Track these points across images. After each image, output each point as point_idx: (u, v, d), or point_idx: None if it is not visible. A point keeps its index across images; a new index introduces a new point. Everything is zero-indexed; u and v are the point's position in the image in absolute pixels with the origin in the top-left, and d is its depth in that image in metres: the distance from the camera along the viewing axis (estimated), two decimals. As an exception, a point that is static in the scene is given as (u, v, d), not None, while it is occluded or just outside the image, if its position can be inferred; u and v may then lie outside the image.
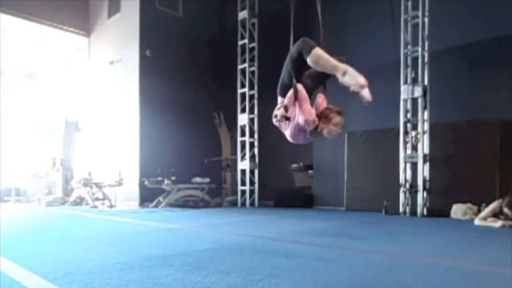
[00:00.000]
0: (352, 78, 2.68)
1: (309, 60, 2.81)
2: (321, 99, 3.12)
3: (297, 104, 2.90)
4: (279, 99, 3.09)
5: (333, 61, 2.77)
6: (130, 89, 8.43)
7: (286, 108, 2.92)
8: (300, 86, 2.92)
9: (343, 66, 2.73)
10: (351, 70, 2.70)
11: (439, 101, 5.87)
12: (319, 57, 2.79)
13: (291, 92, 2.93)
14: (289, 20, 3.16)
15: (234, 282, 1.89)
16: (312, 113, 2.91)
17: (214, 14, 9.88)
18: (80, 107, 10.17)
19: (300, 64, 2.89)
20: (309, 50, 2.80)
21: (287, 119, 2.93)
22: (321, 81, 3.06)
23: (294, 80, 2.90)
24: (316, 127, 2.94)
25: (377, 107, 7.02)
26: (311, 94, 3.03)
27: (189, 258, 2.51)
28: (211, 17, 9.79)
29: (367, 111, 7.04)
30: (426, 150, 5.78)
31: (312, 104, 2.99)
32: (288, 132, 3.02)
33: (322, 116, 2.97)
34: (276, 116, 2.93)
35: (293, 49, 2.94)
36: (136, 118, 8.23)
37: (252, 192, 8.22)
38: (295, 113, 2.92)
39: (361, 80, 2.64)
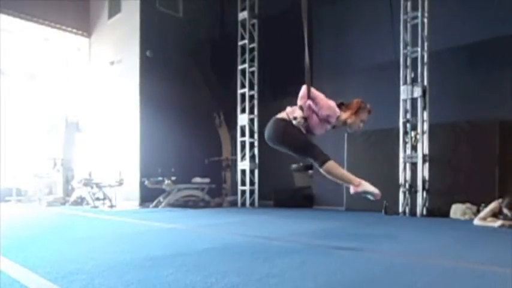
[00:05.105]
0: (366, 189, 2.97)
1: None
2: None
3: (310, 102, 3.00)
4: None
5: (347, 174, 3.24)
6: (131, 90, 8.44)
7: (302, 109, 3.03)
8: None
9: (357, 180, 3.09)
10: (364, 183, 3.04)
11: (439, 101, 5.88)
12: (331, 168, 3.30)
13: (302, 92, 3.02)
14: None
15: (234, 282, 1.90)
16: (331, 107, 3.06)
17: (215, 14, 9.90)
18: (80, 108, 10.18)
19: None
20: (322, 160, 3.20)
21: (305, 119, 3.05)
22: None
23: (307, 79, 2.98)
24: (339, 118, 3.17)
25: (377, 107, 7.04)
26: None
27: (189, 258, 2.52)
28: (212, 18, 9.81)
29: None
30: (426, 151, 5.79)
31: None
32: (314, 125, 3.14)
33: (351, 107, 3.22)
34: (295, 119, 3.02)
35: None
36: (137, 118, 8.25)
37: (252, 192, 8.23)
38: (310, 111, 3.04)
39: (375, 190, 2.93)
